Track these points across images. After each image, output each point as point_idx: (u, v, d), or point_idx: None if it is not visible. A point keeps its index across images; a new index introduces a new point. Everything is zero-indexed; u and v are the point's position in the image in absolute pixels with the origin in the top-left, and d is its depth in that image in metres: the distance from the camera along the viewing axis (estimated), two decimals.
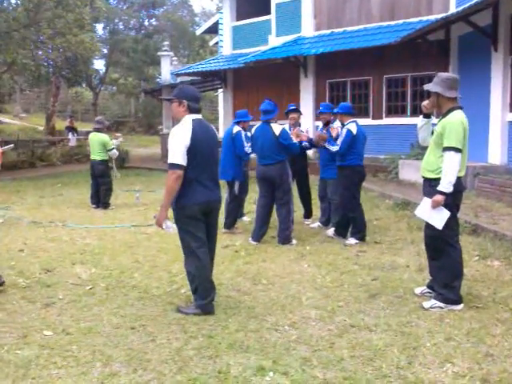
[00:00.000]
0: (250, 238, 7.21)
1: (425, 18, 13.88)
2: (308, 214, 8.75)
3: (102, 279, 5.52)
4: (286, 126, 8.58)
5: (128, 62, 23.13)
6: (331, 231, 7.50)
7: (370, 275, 5.60)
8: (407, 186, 12.01)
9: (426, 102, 4.72)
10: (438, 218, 4.52)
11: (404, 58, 14.26)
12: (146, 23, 24.11)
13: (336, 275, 5.62)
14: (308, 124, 15.75)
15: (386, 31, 14.18)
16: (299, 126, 8.61)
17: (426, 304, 4.61)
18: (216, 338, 3.95)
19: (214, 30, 25.02)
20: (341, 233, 7.30)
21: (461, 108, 4.59)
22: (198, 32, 28.55)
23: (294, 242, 7.13)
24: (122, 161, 18.45)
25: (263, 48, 17.23)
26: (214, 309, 4.52)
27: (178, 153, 4.32)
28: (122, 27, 22.45)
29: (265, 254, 6.55)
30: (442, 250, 4.59)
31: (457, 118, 4.49)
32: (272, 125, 7.07)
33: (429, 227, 4.64)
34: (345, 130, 7.06)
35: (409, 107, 14.42)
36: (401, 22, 14.47)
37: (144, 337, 4.00)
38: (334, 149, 7.13)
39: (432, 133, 4.81)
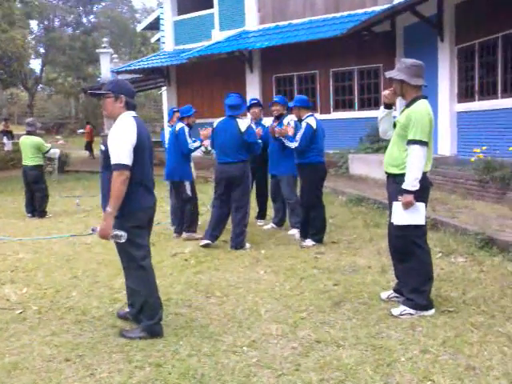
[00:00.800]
0: (201, 240, 6.73)
1: (370, 10, 13.70)
2: (262, 215, 8.32)
3: (35, 300, 4.89)
4: (247, 121, 8.17)
5: (65, 61, 22.04)
6: (297, 234, 7.09)
7: (331, 279, 5.21)
8: (358, 180, 11.79)
9: (386, 92, 4.34)
10: (417, 215, 4.15)
11: (350, 50, 14.06)
12: (84, 20, 23.03)
13: (295, 281, 5.20)
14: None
15: (331, 23, 13.93)
16: (261, 120, 8.10)
17: (395, 311, 4.24)
18: (165, 367, 3.44)
19: (155, 26, 24.23)
20: (304, 234, 6.88)
21: (426, 98, 4.24)
22: (139, 28, 27.63)
23: (248, 246, 6.69)
24: (62, 165, 17.53)
25: (207, 43, 16.70)
26: (163, 330, 4.00)
27: (124, 152, 3.79)
28: (57, 24, 21.30)
29: (217, 261, 6.06)
30: (410, 251, 4.22)
31: (422, 108, 4.13)
32: (238, 120, 6.58)
33: (394, 227, 4.26)
34: (304, 125, 6.58)
35: (356, 101, 14.24)
36: (346, 13, 14.25)
37: (81, 370, 3.44)
38: (293, 145, 6.69)
39: (394, 125, 4.44)
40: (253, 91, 15.83)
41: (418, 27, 12.18)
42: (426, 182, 4.19)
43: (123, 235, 3.82)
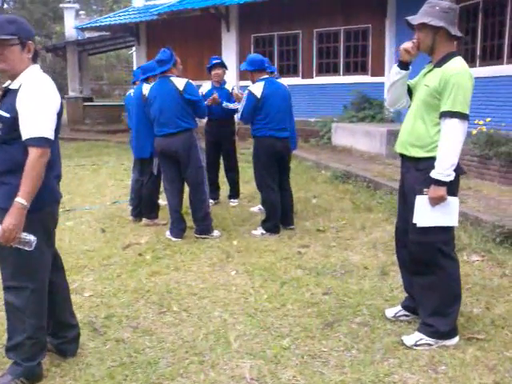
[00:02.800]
0: (168, 232, 5.60)
1: None
2: (234, 193, 7.20)
3: None
4: (208, 85, 6.94)
5: (24, 15, 20.22)
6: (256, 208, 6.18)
7: (320, 285, 4.16)
8: (343, 152, 10.71)
9: (408, 44, 3.17)
10: (449, 214, 3.08)
11: (336, 9, 12.80)
12: None
13: (274, 288, 4.14)
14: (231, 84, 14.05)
15: None
16: (224, 83, 6.94)
17: (408, 340, 3.19)
18: None
19: None
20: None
21: (460, 54, 3.11)
22: None
23: (217, 233, 5.61)
24: None
25: None
26: (82, 371, 2.90)
27: (47, 122, 2.71)
28: None
29: (178, 256, 4.95)
30: (433, 262, 3.15)
31: (463, 69, 3.00)
32: (172, 78, 5.38)
33: (415, 230, 3.16)
34: (246, 92, 5.55)
35: (341, 65, 13.05)
36: None
37: None
38: (238, 115, 5.69)
39: (409, 90, 3.32)
40: (229, 52, 14.50)
41: None
42: (459, 170, 3.11)
43: (32, 241, 2.68)
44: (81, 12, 24.52)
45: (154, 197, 6.13)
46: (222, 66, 6.90)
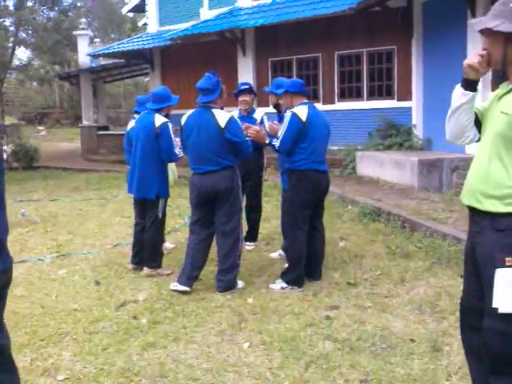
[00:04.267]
0: (176, 283, 4.75)
1: None
2: (253, 236, 6.34)
3: None
4: (236, 113, 6.16)
5: (38, 42, 19.82)
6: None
7: (356, 367, 3.27)
8: (369, 184, 9.82)
9: (475, 58, 2.34)
10: None
11: (358, 30, 12.04)
12: None
13: (298, 370, 3.26)
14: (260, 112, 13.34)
15: None
16: (253, 112, 6.20)
17: None
18: None
19: (141, 8, 22.17)
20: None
21: None
22: (125, 10, 25.49)
23: (241, 284, 4.82)
24: (30, 160, 15.53)
25: (194, 23, 14.64)
26: None
27: None
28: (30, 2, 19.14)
29: (181, 320, 4.09)
30: None
31: None
32: (214, 111, 4.63)
33: (498, 317, 2.25)
34: (288, 115, 4.70)
35: (365, 89, 12.23)
36: None
37: None
38: (275, 145, 4.79)
39: (476, 120, 2.48)
40: (245, 77, 13.79)
41: (441, 2, 10.19)
42: None
43: None
44: (96, 39, 24.30)
45: (157, 243, 5.30)
46: (251, 92, 6.17)
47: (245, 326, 3.94)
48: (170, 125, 5.15)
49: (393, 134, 11.38)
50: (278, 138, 4.72)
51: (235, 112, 6.21)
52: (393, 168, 9.73)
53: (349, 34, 12.16)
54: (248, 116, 6.01)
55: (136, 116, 5.87)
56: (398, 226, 6.50)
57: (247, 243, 6.25)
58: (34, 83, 29.14)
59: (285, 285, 4.72)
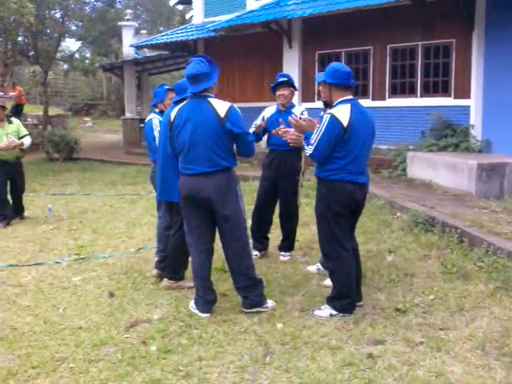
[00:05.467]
0: (193, 304, 4.18)
1: None
2: (288, 245, 5.69)
3: None
4: (273, 108, 5.53)
5: (82, 33, 19.65)
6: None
7: None
8: (421, 188, 9.00)
9: None
10: None
11: (414, 21, 11.13)
12: None
13: None
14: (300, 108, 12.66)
15: None
16: (292, 107, 5.49)
17: None
18: None
19: (190, 0, 21.77)
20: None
21: None
22: (172, 2, 25.18)
23: (271, 304, 4.20)
24: (70, 151, 15.32)
25: (239, 14, 14.06)
26: None
27: None
28: None
29: (196, 348, 3.50)
30: None
31: None
32: (212, 100, 3.98)
33: None
34: (326, 118, 3.92)
35: (419, 85, 11.33)
36: None
37: None
38: (307, 151, 4.05)
39: None
40: (291, 71, 13.08)
41: None
42: None
43: None
44: (142, 31, 24.03)
45: (182, 253, 4.66)
46: (290, 85, 5.45)
47: (270, 361, 3.31)
48: (155, 121, 4.61)
49: (448, 135, 10.48)
50: (311, 144, 3.98)
51: (273, 107, 5.58)
52: (448, 171, 8.90)
53: (403, 26, 11.28)
54: (286, 111, 5.34)
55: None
56: (455, 240, 5.71)
57: (282, 253, 5.62)
58: (81, 75, 29.13)
59: (334, 312, 4.04)
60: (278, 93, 5.43)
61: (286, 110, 5.41)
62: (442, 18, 10.71)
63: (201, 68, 3.95)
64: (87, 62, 24.37)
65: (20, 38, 18.46)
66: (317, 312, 4.07)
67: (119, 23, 18.95)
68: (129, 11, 19.53)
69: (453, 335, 3.67)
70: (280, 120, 5.06)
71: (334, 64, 4.19)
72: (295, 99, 13.05)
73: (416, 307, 4.19)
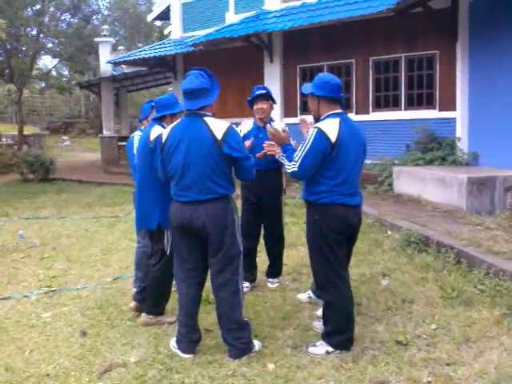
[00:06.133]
0: (174, 342, 3.77)
1: None
2: (276, 270, 5.31)
3: None
4: (250, 123, 5.10)
5: (58, 50, 19.15)
6: (318, 324, 4.10)
7: None
8: (410, 204, 8.72)
9: None
10: None
11: (396, 33, 10.98)
12: (84, 5, 19.98)
13: None
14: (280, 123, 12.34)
15: None
16: (271, 121, 5.04)
17: None
18: None
19: (167, 15, 21.49)
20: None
21: None
22: (150, 18, 24.85)
23: (258, 345, 3.74)
24: (45, 171, 14.82)
25: (218, 28, 13.78)
26: None
27: None
28: (52, 8, 18.45)
29: None
30: None
31: None
32: (208, 120, 3.59)
33: None
34: (311, 132, 3.58)
35: (403, 98, 11.14)
36: None
37: None
38: (289, 168, 3.68)
39: None
40: (272, 86, 12.84)
41: (489, 2, 9.10)
42: None
43: None
44: (120, 48, 23.64)
45: (162, 285, 4.27)
46: (269, 98, 5.04)
47: None
48: (137, 139, 4.22)
49: (434, 148, 10.27)
50: (294, 160, 3.61)
51: (249, 122, 5.20)
52: (436, 186, 8.64)
53: (386, 38, 11.11)
54: (265, 127, 5.00)
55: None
56: (452, 261, 5.39)
57: (270, 280, 5.24)
58: (58, 93, 28.55)
59: (330, 349, 3.65)
60: (255, 107, 5.00)
61: (265, 125, 5.04)
62: (425, 30, 10.56)
63: (200, 83, 3.57)
64: (64, 79, 23.84)
65: None
66: (311, 349, 3.69)
67: (96, 39, 18.58)
68: (105, 27, 19.19)
69: (462, 372, 3.33)
70: (252, 138, 4.76)
71: (322, 75, 3.83)
72: (276, 113, 12.84)
73: (418, 339, 3.85)
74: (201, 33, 14.57)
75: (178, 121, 3.72)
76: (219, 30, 12.86)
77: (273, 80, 12.83)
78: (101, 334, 4.09)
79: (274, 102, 5.09)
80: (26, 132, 22.29)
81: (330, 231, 3.60)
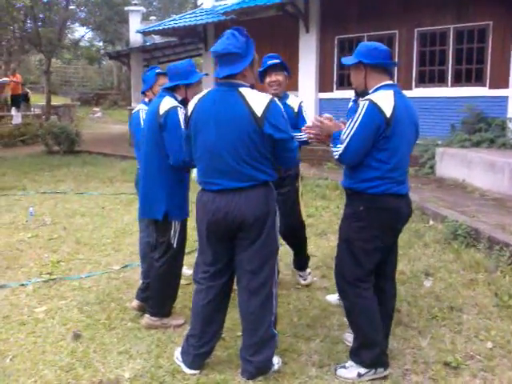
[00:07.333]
0: (179, 356, 3.18)
1: None
2: (301, 261, 4.64)
3: None
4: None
5: (87, 19, 18.64)
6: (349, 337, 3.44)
7: None
8: (454, 189, 7.95)
9: None
10: None
11: (445, 2, 10.03)
12: None
13: None
14: (309, 100, 11.59)
15: None
16: (286, 97, 4.32)
17: None
18: None
19: None
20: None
21: None
22: None
23: (277, 362, 3.10)
24: (71, 143, 14.41)
25: None
26: None
27: None
28: None
29: None
30: None
31: None
32: (244, 91, 2.90)
33: None
34: (363, 105, 2.89)
35: (450, 73, 10.22)
36: None
37: None
38: (336, 153, 3.00)
39: None
40: (309, 57, 12.07)
41: None
42: None
43: None
44: (152, 17, 23.02)
45: (168, 282, 3.68)
46: (283, 68, 4.23)
47: None
48: (182, 111, 3.51)
49: (482, 129, 9.40)
50: (339, 142, 2.96)
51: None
52: (484, 171, 7.83)
53: (433, 7, 10.16)
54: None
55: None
56: (506, 260, 4.67)
57: (300, 273, 4.56)
58: (89, 64, 28.15)
59: (363, 370, 3.01)
60: (269, 79, 4.18)
61: (280, 101, 4.33)
62: None
63: (229, 46, 2.90)
64: (96, 49, 23.36)
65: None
66: (341, 372, 3.05)
67: (126, 8, 17.96)
68: None
69: None
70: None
71: (368, 42, 3.18)
72: (311, 88, 12.06)
73: (471, 360, 3.18)
74: (233, 1, 13.79)
75: (207, 90, 3.04)
76: None
77: (309, 52, 12.02)
78: (96, 337, 3.53)
79: (289, 73, 4.30)
80: (56, 103, 21.97)
81: (379, 228, 2.95)
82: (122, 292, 4.34)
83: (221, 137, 2.88)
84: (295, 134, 4.07)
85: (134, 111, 4.28)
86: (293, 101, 4.26)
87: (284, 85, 4.23)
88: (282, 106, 2.98)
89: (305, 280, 4.52)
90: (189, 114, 3.03)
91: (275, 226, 3.01)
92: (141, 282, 4.09)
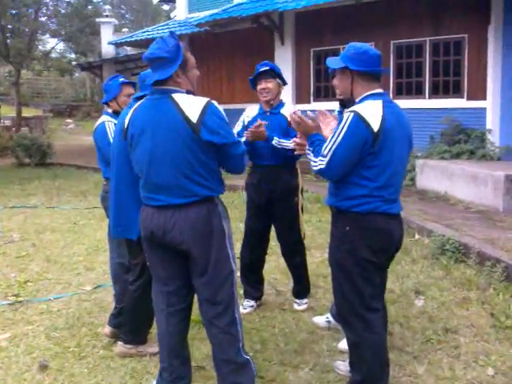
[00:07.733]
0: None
1: None
2: (301, 289, 4.31)
3: None
4: (255, 108, 4.10)
5: (57, 30, 18.26)
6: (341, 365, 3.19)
7: None
8: (437, 202, 7.81)
9: None
10: None
11: (421, 14, 10.00)
12: None
13: None
14: (286, 112, 11.40)
15: None
16: (281, 106, 4.12)
17: None
18: None
19: None
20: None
21: None
22: (156, 0, 23.99)
23: None
24: (42, 155, 13.98)
25: (226, 7, 12.82)
26: None
27: None
28: None
29: None
30: None
31: None
32: (177, 97, 2.61)
33: None
34: (347, 117, 2.63)
35: (427, 85, 10.16)
36: None
37: None
38: (317, 166, 2.71)
39: None
40: (284, 70, 11.85)
41: None
42: None
43: None
44: (124, 29, 22.75)
45: (143, 307, 3.35)
46: (275, 75, 4.02)
47: None
48: (109, 125, 3.42)
49: (462, 140, 9.32)
50: (322, 154, 2.68)
51: (255, 107, 4.26)
52: (467, 183, 7.72)
53: (409, 19, 10.11)
54: (272, 112, 4.05)
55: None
56: (498, 276, 4.49)
57: (297, 301, 4.27)
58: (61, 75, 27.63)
59: None
60: (259, 87, 3.98)
61: (273, 109, 4.10)
62: (452, 11, 9.57)
63: (157, 50, 2.61)
64: (67, 61, 22.93)
65: None
66: None
67: (97, 20, 17.66)
68: (107, 7, 18.28)
69: None
70: (258, 119, 3.85)
71: (358, 44, 2.86)
72: (288, 100, 11.86)
73: None
74: (207, 13, 13.59)
75: (141, 101, 2.77)
76: (226, 10, 11.94)
77: (284, 64, 11.82)
78: (65, 368, 3.21)
79: (282, 80, 4.08)
80: (27, 114, 21.43)
81: (368, 251, 2.67)
82: (94, 316, 4.03)
83: (157, 149, 2.60)
84: (282, 141, 3.87)
85: (97, 123, 3.95)
86: (285, 109, 4.06)
87: (275, 92, 4.01)
88: (221, 109, 2.66)
89: (299, 306, 4.23)
90: (125, 126, 2.76)
91: (226, 248, 2.71)
92: (113, 306, 3.78)
